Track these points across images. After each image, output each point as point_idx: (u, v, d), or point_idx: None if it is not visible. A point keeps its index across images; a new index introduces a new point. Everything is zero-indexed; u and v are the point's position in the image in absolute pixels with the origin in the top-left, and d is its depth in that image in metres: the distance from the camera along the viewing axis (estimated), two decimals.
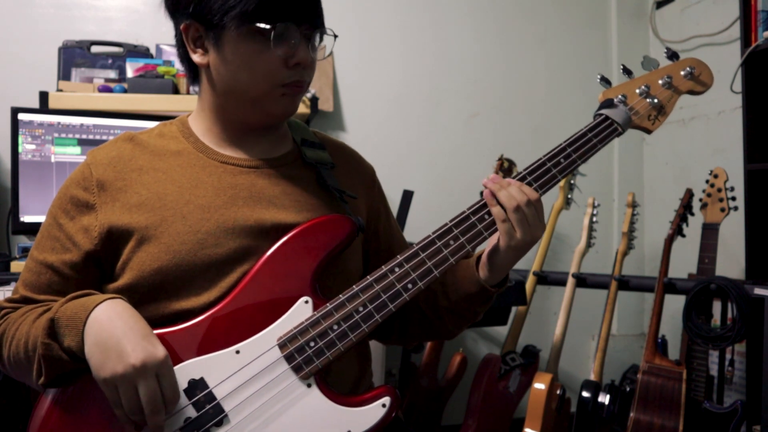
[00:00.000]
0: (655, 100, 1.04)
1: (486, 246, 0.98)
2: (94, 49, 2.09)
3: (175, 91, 2.00)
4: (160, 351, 0.82)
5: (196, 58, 0.95)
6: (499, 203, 0.92)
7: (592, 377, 2.15)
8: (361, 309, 0.90)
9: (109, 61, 2.08)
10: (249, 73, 0.92)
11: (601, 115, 1.02)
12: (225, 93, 0.96)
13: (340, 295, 0.90)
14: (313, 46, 0.96)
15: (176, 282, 0.90)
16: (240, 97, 0.95)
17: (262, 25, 0.89)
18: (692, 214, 2.18)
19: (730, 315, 1.92)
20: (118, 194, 0.94)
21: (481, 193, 0.95)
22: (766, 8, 1.94)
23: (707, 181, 2.06)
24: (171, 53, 2.17)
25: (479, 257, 0.99)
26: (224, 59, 0.92)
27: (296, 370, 0.88)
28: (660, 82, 1.05)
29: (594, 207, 2.38)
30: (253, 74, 0.92)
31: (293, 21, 0.91)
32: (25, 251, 1.81)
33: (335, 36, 0.99)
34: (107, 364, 0.80)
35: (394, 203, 2.15)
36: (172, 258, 0.89)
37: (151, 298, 0.90)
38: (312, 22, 0.94)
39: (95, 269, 0.94)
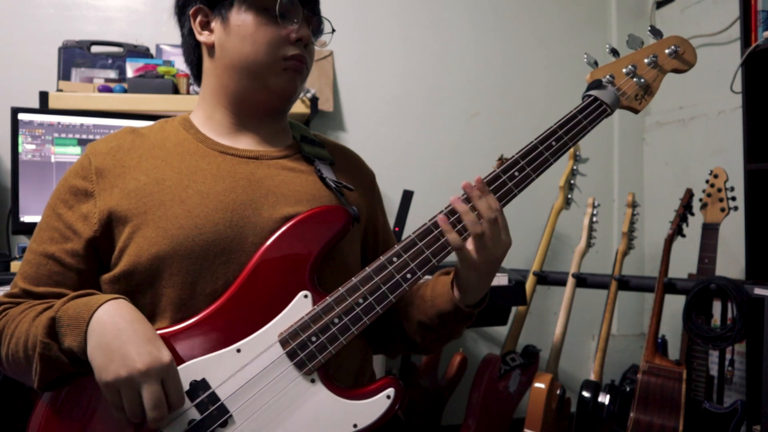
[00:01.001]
0: (642, 80, 1.05)
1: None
2: (94, 49, 2.09)
3: (175, 91, 2.00)
4: (165, 355, 0.81)
5: (203, 38, 0.99)
6: (462, 226, 0.91)
7: (592, 377, 2.15)
8: (361, 301, 0.89)
9: (109, 61, 2.08)
10: (252, 45, 0.95)
11: (590, 96, 1.03)
12: (228, 68, 0.98)
13: (340, 288, 0.90)
14: (312, 33, 1.01)
15: (173, 268, 0.89)
16: (242, 72, 0.97)
17: None
18: (692, 214, 2.18)
19: (730, 315, 1.92)
20: (117, 180, 0.93)
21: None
22: (766, 8, 1.94)
23: (707, 181, 2.06)
24: (171, 53, 2.17)
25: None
26: (229, 33, 0.96)
27: (299, 366, 0.87)
28: (646, 61, 1.06)
29: (594, 207, 2.38)
30: (256, 46, 0.95)
31: None
32: (24, 251, 1.81)
33: (333, 30, 1.02)
34: (110, 367, 0.79)
35: (394, 203, 2.15)
36: (170, 242, 0.88)
37: (148, 285, 0.89)
38: (313, 8, 1.00)
39: (95, 258, 0.93)
